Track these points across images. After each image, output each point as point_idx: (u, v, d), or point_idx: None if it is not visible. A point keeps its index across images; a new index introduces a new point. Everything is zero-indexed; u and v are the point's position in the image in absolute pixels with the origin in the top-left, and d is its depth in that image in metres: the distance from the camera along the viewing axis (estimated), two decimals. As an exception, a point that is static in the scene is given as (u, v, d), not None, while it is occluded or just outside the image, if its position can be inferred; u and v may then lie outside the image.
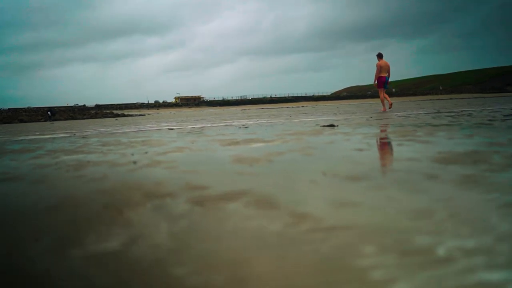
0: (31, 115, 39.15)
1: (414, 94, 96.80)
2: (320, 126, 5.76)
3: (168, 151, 3.27)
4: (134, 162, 2.61)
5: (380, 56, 11.88)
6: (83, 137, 6.12)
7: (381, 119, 7.43)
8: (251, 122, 8.57)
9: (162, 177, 1.99)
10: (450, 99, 47.65)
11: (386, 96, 12.16)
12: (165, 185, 1.74)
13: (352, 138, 3.70)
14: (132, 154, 3.14)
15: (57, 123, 20.42)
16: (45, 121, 30.79)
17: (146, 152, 3.23)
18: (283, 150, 2.92)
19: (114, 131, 7.59)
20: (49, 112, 33.74)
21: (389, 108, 12.44)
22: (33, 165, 2.84)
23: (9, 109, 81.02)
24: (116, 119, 22.30)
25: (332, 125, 5.72)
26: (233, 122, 9.36)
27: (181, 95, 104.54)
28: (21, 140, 6.40)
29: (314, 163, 2.24)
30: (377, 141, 3.37)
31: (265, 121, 8.79)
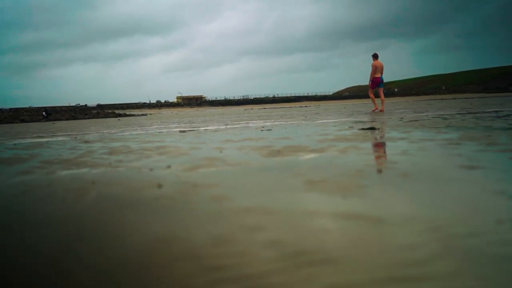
0: (32, 115, 38.70)
1: (417, 94, 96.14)
2: (359, 130, 4.99)
3: (196, 164, 2.50)
4: (159, 186, 1.84)
5: (375, 56, 11.71)
6: (85, 141, 5.36)
7: (417, 120, 6.65)
8: (269, 123, 7.81)
9: (217, 222, 1.22)
10: (453, 99, 46.57)
11: (380, 95, 12.02)
12: (239, 251, 0.97)
13: (425, 146, 2.92)
14: (151, 169, 2.38)
15: (58, 123, 19.65)
16: (46, 121, 30.16)
17: (169, 166, 2.47)
18: (358, 166, 2.15)
19: (120, 134, 6.83)
20: (44, 113, 33.09)
21: (380, 110, 12.14)
22: (17, 187, 2.08)
23: (10, 108, 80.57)
24: (119, 119, 21.54)
25: (373, 128, 4.95)
26: (248, 123, 8.59)
27: (183, 95, 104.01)
28: (15, 144, 5.65)
29: (451, 194, 1.47)
30: (473, 153, 2.60)
31: (283, 122, 8.02)
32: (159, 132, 6.84)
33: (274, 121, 8.76)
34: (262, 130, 5.81)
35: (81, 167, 2.67)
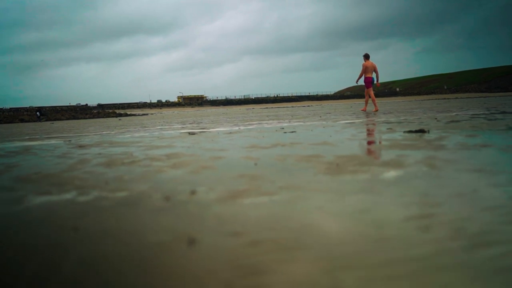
0: (32, 115, 38.14)
1: (419, 94, 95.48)
2: (405, 132, 4.18)
3: (233, 188, 1.69)
4: (190, 243, 1.04)
5: (366, 57, 11.63)
6: (80, 146, 4.55)
7: (458, 121, 5.84)
8: (285, 124, 7.00)
9: None
10: (456, 98, 45.53)
11: (370, 96, 11.98)
12: None
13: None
14: (167, 198, 1.57)
15: (57, 123, 18.85)
16: (46, 120, 29.48)
17: (193, 192, 1.66)
18: (501, 198, 1.35)
19: (120, 136, 6.02)
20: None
21: (362, 110, 12.43)
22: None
23: (10, 108, 79.94)
24: (119, 119, 20.76)
25: (422, 131, 4.14)
26: (261, 123, 7.78)
27: (184, 95, 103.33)
28: (-1, 149, 4.85)
29: None
30: None
31: (301, 123, 7.21)
32: (165, 134, 6.03)
33: (289, 122, 7.95)
34: (285, 133, 5.00)
35: (64, 190, 1.86)
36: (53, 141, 5.81)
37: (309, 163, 2.28)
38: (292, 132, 5.06)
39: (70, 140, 5.74)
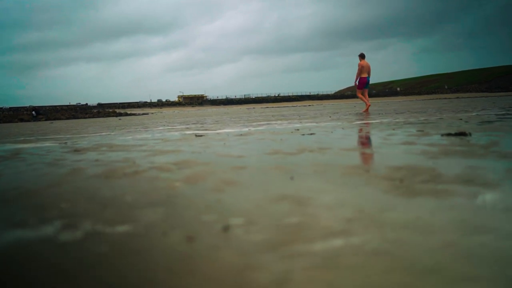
0: (31, 114, 37.67)
1: (419, 93, 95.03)
2: (443, 135, 3.69)
3: (280, 222, 1.20)
4: None
5: (362, 56, 11.42)
6: (76, 150, 4.06)
7: (489, 121, 5.35)
8: (298, 125, 6.51)
9: None
10: (457, 98, 44.96)
11: (365, 97, 11.73)
12: None
13: None
14: (190, 239, 1.08)
15: (56, 123, 18.37)
16: (45, 120, 29.04)
17: (226, 229, 1.17)
18: None
19: (121, 138, 5.53)
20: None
21: (364, 111, 11.99)
22: None
23: (10, 107, 79.51)
24: (120, 119, 20.28)
25: (463, 134, 3.65)
26: (270, 124, 7.29)
27: (184, 94, 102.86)
28: (-14, 153, 4.36)
29: None
30: None
31: (314, 124, 6.73)
32: (169, 135, 5.54)
33: (300, 122, 7.46)
34: (303, 135, 4.51)
35: (45, 220, 1.37)
36: (47, 143, 5.33)
37: (362, 178, 1.79)
38: (311, 134, 4.57)
39: (66, 143, 5.25)
